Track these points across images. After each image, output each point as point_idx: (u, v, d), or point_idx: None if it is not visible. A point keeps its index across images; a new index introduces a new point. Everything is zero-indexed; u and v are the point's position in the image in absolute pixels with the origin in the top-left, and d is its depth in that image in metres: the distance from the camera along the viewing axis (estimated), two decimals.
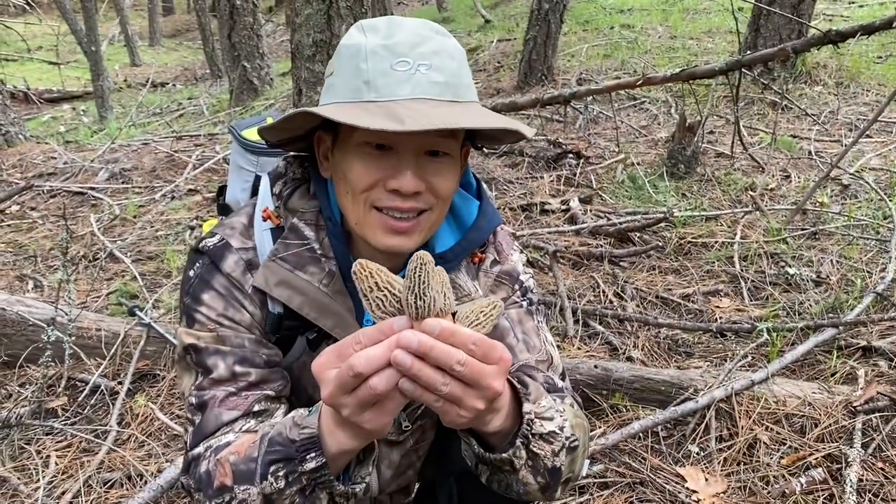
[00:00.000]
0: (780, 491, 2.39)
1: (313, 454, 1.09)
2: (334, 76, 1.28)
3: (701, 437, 2.67)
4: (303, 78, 4.16)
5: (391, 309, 0.96)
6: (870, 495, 2.35)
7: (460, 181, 1.46)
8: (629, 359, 3.20)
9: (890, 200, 4.56)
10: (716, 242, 4.29)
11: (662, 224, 4.43)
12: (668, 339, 3.38)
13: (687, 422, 2.72)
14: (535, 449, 1.17)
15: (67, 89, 13.93)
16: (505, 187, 5.20)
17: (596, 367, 2.88)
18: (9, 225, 4.99)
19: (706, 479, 2.49)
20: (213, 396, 1.34)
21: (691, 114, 5.66)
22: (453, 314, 1.00)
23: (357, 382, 0.93)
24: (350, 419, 0.98)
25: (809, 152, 5.65)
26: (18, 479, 2.47)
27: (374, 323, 0.98)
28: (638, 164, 5.49)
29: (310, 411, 1.15)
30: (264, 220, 1.43)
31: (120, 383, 2.91)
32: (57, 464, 2.55)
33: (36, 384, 2.87)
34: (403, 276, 1.46)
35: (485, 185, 1.55)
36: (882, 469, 2.44)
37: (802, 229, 4.38)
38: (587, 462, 1.81)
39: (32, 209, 5.27)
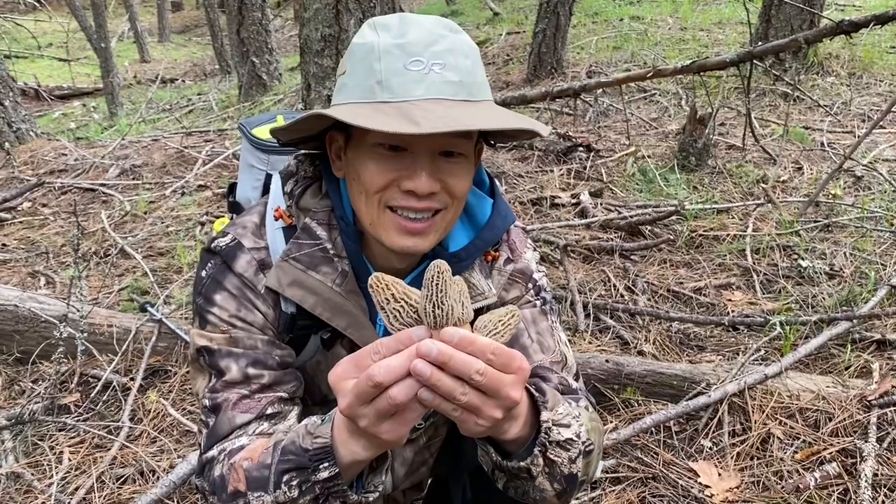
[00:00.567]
0: (793, 486, 2.38)
1: (326, 464, 1.09)
2: (347, 76, 1.27)
3: (714, 432, 2.66)
4: (311, 73, 4.15)
5: (408, 320, 0.96)
6: (885, 490, 2.34)
7: (473, 179, 1.45)
8: (640, 353, 3.19)
9: None
10: (727, 235, 4.26)
11: (673, 217, 4.40)
12: (679, 332, 3.37)
13: (699, 416, 2.70)
14: (552, 456, 1.17)
15: (78, 86, 13.98)
16: (515, 181, 5.18)
17: (607, 361, 2.87)
18: (21, 222, 5.02)
19: (719, 474, 2.48)
20: (227, 399, 1.34)
21: (702, 106, 5.62)
22: (472, 322, 0.99)
23: (376, 393, 0.93)
24: (368, 430, 0.98)
25: (822, 144, 5.60)
26: (32, 474, 2.49)
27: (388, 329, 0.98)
28: (648, 156, 5.46)
29: (323, 420, 1.14)
30: (276, 219, 1.42)
31: (132, 379, 2.92)
32: (70, 460, 2.57)
33: (49, 380, 2.88)
34: (419, 274, 1.47)
35: (498, 183, 1.53)
36: None
37: (815, 221, 4.35)
38: (601, 464, 1.80)
39: (44, 206, 5.30)
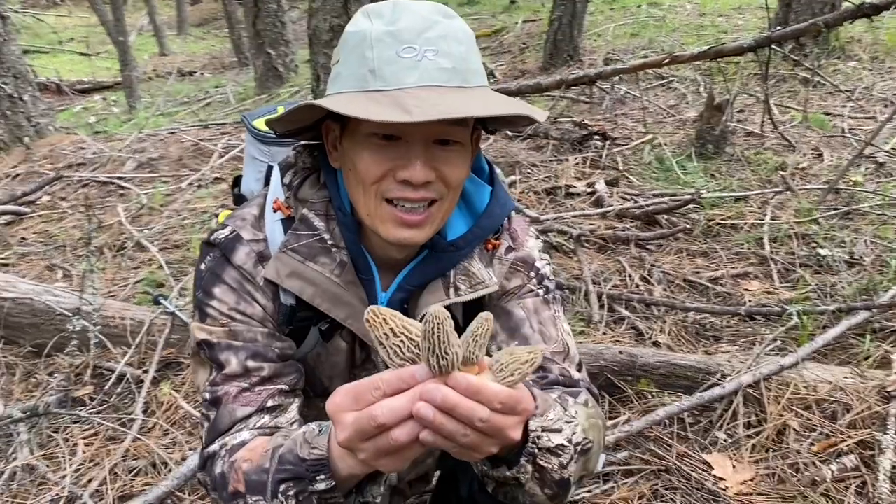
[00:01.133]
0: (810, 478, 2.34)
1: (323, 476, 1.09)
2: (340, 65, 1.26)
3: (728, 424, 2.62)
4: (320, 63, 4.13)
5: (410, 355, 0.93)
6: None
7: (472, 166, 1.43)
8: (655, 344, 3.15)
9: None
10: (745, 224, 4.20)
11: (690, 206, 4.34)
12: (695, 323, 3.32)
13: (714, 408, 2.66)
14: (542, 463, 1.14)
15: (98, 80, 14.06)
16: (529, 171, 5.14)
17: (621, 352, 2.84)
18: (39, 215, 5.06)
19: (733, 466, 2.45)
20: (227, 392, 1.34)
21: (720, 93, 5.53)
22: (489, 353, 0.97)
23: (378, 432, 0.92)
24: (366, 462, 0.98)
25: (843, 130, 5.50)
26: (47, 466, 2.51)
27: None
28: (665, 144, 5.39)
29: (320, 430, 1.14)
30: (275, 210, 1.42)
31: (145, 371, 2.94)
32: (84, 452, 2.59)
33: (63, 373, 2.91)
34: (417, 264, 1.44)
35: (498, 170, 1.51)
36: None
37: (835, 209, 4.27)
38: (602, 457, 1.78)
39: (62, 199, 5.34)
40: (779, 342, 3.03)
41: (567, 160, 5.29)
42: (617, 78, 6.27)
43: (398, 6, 1.23)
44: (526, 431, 1.11)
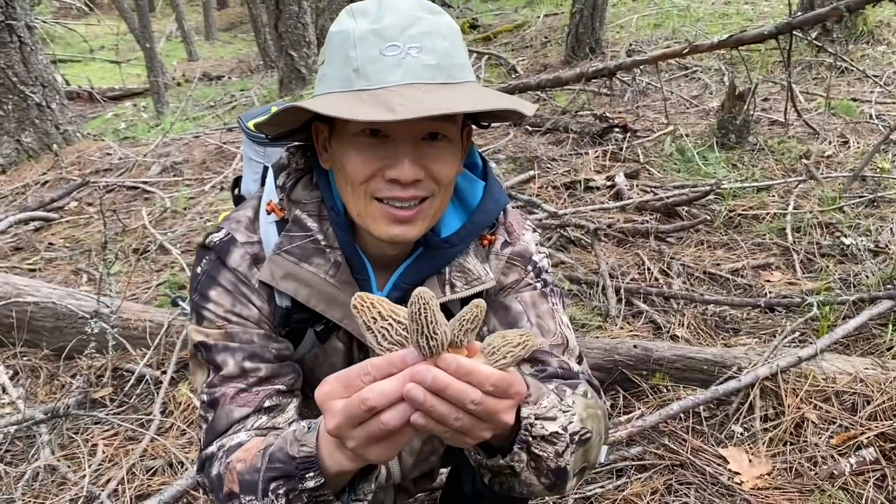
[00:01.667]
0: (828, 472, 2.30)
1: (312, 473, 1.08)
2: (326, 65, 1.26)
3: (745, 417, 2.58)
4: None
5: (398, 338, 0.92)
6: None
7: (466, 161, 1.43)
8: (673, 338, 3.11)
9: None
10: (767, 214, 4.13)
11: (712, 197, 4.28)
12: (715, 315, 3.28)
13: (730, 401, 2.63)
14: (536, 451, 1.13)
15: (128, 87, 14.30)
16: (548, 165, 5.11)
17: (635, 346, 2.81)
18: (67, 221, 5.16)
19: (749, 461, 2.41)
20: (224, 394, 1.35)
21: (743, 81, 5.45)
22: (481, 338, 0.96)
23: (368, 416, 0.91)
24: (356, 451, 0.96)
25: (870, 116, 5.38)
26: (68, 466, 2.56)
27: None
28: (687, 135, 5.33)
29: (309, 427, 1.14)
30: (268, 213, 1.42)
31: (164, 372, 2.98)
32: (104, 452, 2.63)
33: (83, 375, 2.96)
34: (413, 261, 1.44)
35: (493, 165, 1.51)
36: None
37: (860, 197, 4.18)
38: (605, 448, 1.76)
39: (89, 205, 5.43)
40: (798, 334, 2.97)
41: (587, 153, 5.25)
42: (638, 70, 6.22)
43: (382, 4, 1.22)
44: (519, 419, 1.10)
